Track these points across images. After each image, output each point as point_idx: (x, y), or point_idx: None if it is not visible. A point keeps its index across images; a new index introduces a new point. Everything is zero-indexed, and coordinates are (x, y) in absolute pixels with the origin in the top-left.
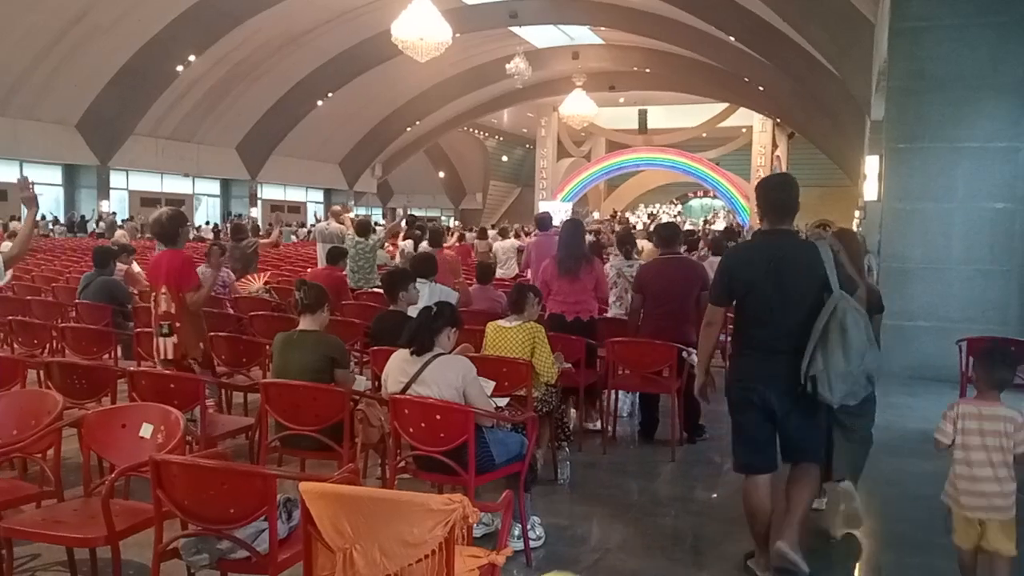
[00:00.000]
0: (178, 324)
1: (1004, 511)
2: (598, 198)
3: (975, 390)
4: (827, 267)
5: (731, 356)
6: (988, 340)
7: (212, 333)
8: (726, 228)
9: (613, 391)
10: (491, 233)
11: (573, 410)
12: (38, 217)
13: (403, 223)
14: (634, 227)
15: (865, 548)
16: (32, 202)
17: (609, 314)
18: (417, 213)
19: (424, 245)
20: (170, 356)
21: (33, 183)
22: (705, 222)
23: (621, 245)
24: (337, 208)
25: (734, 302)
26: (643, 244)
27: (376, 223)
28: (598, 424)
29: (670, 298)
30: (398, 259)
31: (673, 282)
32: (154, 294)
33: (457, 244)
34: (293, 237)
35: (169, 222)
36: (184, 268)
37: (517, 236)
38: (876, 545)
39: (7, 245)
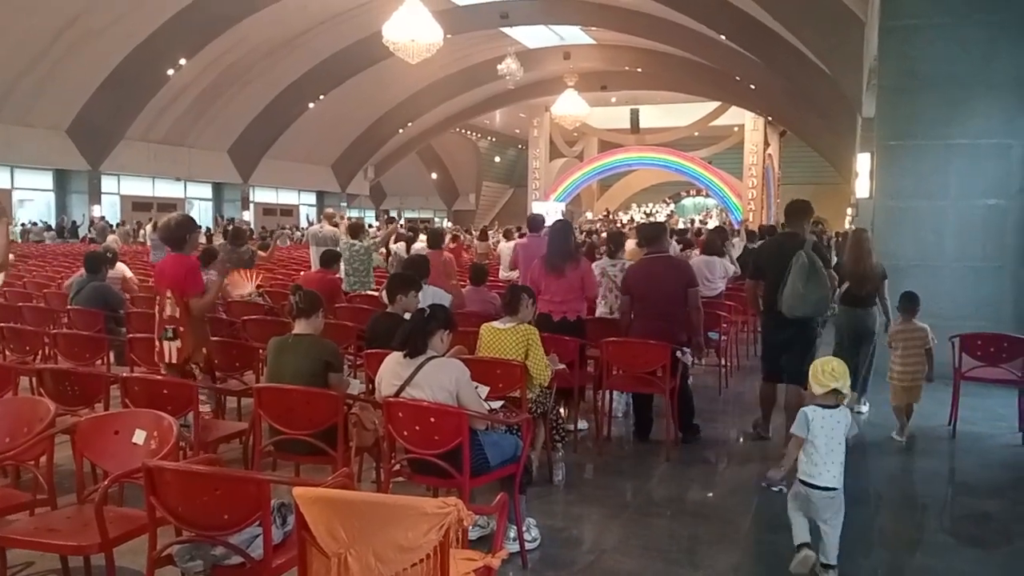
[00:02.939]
0: (182, 329)
1: (920, 378)
2: (591, 198)
3: (900, 316)
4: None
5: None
6: (979, 336)
7: None
8: (718, 227)
9: (607, 391)
10: (489, 234)
11: (563, 410)
12: (27, 223)
13: (399, 226)
14: (623, 225)
15: (861, 547)
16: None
17: (596, 313)
18: (410, 215)
19: (416, 246)
20: (174, 360)
21: None
22: (692, 221)
23: (606, 244)
24: (330, 211)
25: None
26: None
27: (369, 225)
28: (582, 424)
29: (657, 298)
30: (391, 261)
31: (660, 282)
32: (159, 298)
33: (452, 245)
34: (288, 241)
35: (177, 228)
36: (190, 273)
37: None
38: (872, 544)
39: None
